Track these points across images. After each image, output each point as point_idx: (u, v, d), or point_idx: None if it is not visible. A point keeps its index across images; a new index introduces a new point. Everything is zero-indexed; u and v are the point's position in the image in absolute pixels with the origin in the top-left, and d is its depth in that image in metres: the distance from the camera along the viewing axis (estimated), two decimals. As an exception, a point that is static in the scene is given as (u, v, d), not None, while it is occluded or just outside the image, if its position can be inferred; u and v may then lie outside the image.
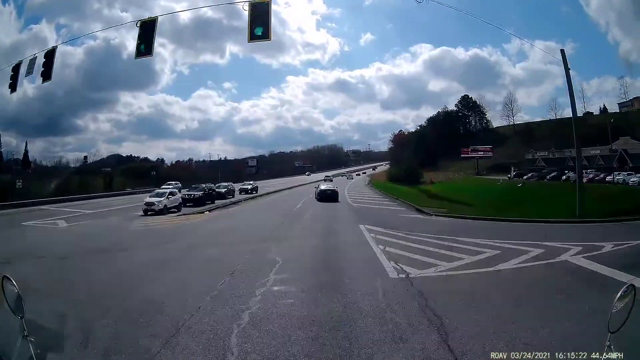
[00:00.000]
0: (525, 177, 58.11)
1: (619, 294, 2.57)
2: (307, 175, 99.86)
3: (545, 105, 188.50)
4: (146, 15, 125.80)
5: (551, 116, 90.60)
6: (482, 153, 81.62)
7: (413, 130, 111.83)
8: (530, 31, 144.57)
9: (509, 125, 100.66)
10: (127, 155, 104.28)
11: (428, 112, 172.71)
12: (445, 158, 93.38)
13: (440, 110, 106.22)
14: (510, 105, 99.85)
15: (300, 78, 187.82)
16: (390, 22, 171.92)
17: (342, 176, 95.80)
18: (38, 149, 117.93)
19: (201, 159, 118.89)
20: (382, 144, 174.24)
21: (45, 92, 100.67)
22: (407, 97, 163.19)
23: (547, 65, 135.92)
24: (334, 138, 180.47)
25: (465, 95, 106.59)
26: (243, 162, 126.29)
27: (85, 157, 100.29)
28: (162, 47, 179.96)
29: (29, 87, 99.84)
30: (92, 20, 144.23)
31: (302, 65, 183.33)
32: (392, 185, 61.69)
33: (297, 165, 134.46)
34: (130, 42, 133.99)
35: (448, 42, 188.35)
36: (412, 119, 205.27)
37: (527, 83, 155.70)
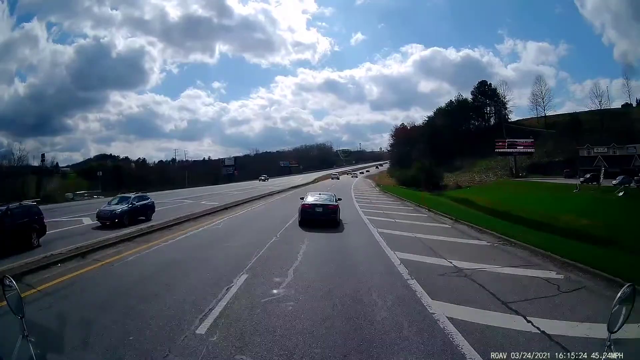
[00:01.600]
0: (618, 182, 38.10)
1: (619, 294, 2.42)
2: (262, 180, 71.51)
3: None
4: (136, 14, 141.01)
5: (595, 106, 71.34)
6: (522, 148, 61.30)
7: (417, 123, 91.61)
8: (523, 32, 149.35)
9: (537, 117, 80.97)
10: (108, 154, 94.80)
11: (418, 112, 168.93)
12: (462, 156, 73.64)
13: (453, 100, 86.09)
14: (541, 95, 79.81)
15: (289, 78, 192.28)
16: (382, 21, 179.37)
17: (332, 178, 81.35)
18: (28, 149, 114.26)
19: (187, 159, 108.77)
20: (371, 145, 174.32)
21: (35, 90, 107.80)
22: (396, 98, 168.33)
23: (539, 67, 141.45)
24: (323, 139, 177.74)
25: (482, 81, 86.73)
26: (219, 162, 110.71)
27: (43, 156, 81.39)
28: (151, 45, 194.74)
29: (19, 85, 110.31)
30: (83, 18, 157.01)
31: (292, 65, 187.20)
32: (411, 192, 42.02)
33: (283, 165, 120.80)
34: (120, 40, 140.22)
35: (439, 43, 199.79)
36: (401, 120, 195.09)
37: (518, 84, 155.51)
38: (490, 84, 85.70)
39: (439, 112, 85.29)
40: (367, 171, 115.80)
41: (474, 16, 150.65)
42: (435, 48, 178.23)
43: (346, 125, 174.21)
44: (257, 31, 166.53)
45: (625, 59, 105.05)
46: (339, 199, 18.19)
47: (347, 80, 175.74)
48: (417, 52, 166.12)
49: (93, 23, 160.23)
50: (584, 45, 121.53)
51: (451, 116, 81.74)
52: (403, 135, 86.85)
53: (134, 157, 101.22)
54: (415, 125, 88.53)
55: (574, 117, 70.36)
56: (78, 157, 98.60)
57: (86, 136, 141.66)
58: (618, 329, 2.42)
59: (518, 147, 60.95)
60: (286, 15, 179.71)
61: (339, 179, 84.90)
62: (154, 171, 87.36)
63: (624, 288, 2.46)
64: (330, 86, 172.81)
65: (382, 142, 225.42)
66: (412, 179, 56.94)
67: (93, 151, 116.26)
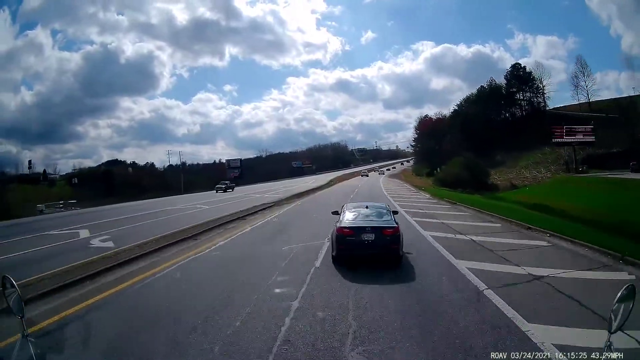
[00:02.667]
0: None
1: (619, 294, 2.45)
2: (223, 189, 50.34)
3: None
4: (142, 19, 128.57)
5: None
6: (582, 136, 50.47)
7: (444, 113, 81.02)
8: (531, 26, 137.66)
9: (578, 103, 69.96)
10: (120, 160, 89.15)
11: (431, 110, 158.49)
12: (501, 149, 63.28)
13: (484, 85, 75.39)
14: (583, 77, 68.67)
15: (301, 79, 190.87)
16: (391, 19, 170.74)
17: (362, 175, 75.38)
18: (39, 157, 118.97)
19: (197, 163, 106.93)
20: (385, 144, 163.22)
21: (42, 98, 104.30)
22: (409, 96, 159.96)
23: (549, 61, 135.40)
24: (337, 139, 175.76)
25: (516, 64, 75.91)
26: (224, 164, 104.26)
27: (30, 162, 78.70)
28: (160, 50, 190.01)
29: (26, 94, 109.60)
30: (88, 25, 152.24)
31: (303, 66, 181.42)
32: (460, 195, 32.47)
33: (295, 165, 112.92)
34: (127, 45, 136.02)
35: (450, 39, 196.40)
36: (414, 118, 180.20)
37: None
38: (525, 67, 75.00)
39: (469, 100, 74.90)
40: (393, 168, 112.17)
41: (483, 11, 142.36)
42: (446, 45, 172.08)
43: (359, 125, 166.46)
44: (267, 32, 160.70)
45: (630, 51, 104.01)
46: (395, 212, 10.90)
47: (359, 80, 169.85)
48: (428, 49, 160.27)
49: (99, 29, 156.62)
50: (592, 38, 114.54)
51: (483, 104, 71.35)
52: (429, 128, 76.72)
53: (142, 162, 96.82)
54: (442, 117, 78.29)
55: (619, 102, 59.50)
56: (90, 164, 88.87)
57: (97, 143, 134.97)
58: (618, 329, 2.38)
59: (577, 136, 50.12)
60: (295, 16, 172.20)
61: (367, 176, 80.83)
62: (155, 176, 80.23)
63: (624, 288, 2.44)
64: (342, 86, 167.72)
65: (397, 140, 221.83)
66: (455, 178, 46.65)
67: (105, 157, 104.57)
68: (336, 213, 11.32)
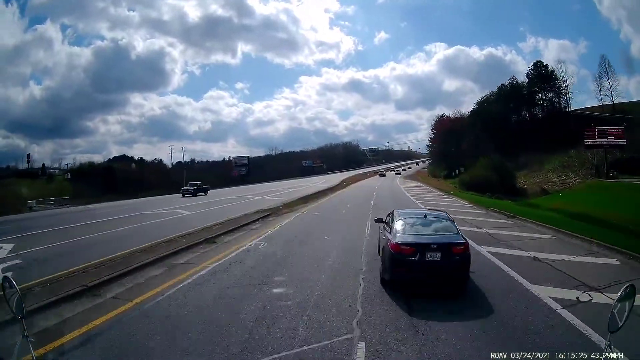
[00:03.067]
0: None
1: (619, 294, 2.45)
2: (189, 193, 40.99)
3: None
4: (153, 15, 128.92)
5: None
6: (614, 139, 45.91)
7: (462, 112, 76.69)
8: (543, 29, 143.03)
9: (599, 105, 64.60)
10: (128, 156, 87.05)
11: (443, 111, 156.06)
12: (524, 150, 58.79)
13: (505, 83, 70.75)
14: (607, 78, 63.32)
15: (313, 78, 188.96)
16: (405, 20, 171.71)
17: (379, 175, 74.58)
18: (47, 151, 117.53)
19: (207, 160, 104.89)
20: (397, 145, 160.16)
21: (51, 93, 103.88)
22: (421, 97, 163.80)
23: (561, 65, 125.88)
24: (348, 139, 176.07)
25: (538, 62, 71.10)
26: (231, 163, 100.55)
27: (29, 156, 74.74)
28: (171, 46, 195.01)
29: (35, 88, 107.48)
30: (98, 20, 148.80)
31: (316, 65, 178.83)
32: (488, 200, 28.67)
33: (305, 164, 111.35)
34: (138, 41, 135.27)
35: (462, 41, 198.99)
36: (426, 119, 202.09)
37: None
38: (547, 65, 69.99)
39: (489, 99, 70.41)
40: (408, 168, 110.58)
41: (495, 13, 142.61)
42: (459, 46, 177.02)
43: (371, 125, 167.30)
44: (279, 31, 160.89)
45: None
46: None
47: (371, 80, 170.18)
48: (440, 50, 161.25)
49: (110, 25, 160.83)
50: (602, 42, 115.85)
51: (504, 103, 66.84)
52: (446, 128, 72.51)
53: (152, 159, 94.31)
54: (460, 116, 73.91)
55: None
56: (99, 159, 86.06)
57: (107, 138, 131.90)
58: (618, 329, 2.38)
59: (609, 138, 45.57)
60: (308, 14, 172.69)
61: (384, 175, 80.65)
62: (161, 173, 76.27)
63: (624, 288, 2.43)
64: (354, 86, 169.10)
65: (408, 141, 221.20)
66: (482, 181, 42.15)
67: (114, 153, 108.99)
68: (380, 221, 9.51)
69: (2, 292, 2.68)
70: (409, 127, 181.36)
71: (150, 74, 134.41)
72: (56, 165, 77.09)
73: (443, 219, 8.18)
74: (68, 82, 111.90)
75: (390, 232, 7.73)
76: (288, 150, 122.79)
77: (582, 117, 60.10)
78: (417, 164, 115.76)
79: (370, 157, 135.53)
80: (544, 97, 67.55)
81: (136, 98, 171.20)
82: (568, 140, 54.18)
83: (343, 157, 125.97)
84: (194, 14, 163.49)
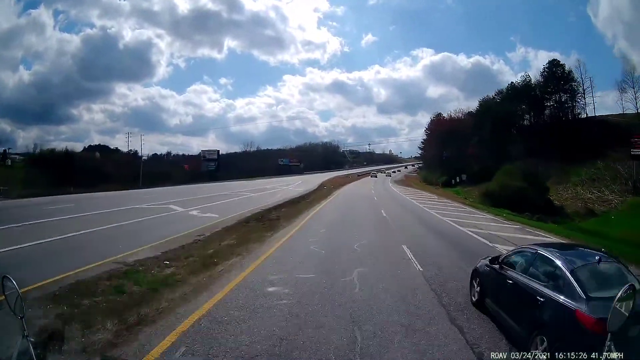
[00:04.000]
0: None
1: (619, 294, 2.39)
2: None
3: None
4: (144, 5, 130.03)
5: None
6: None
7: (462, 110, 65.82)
8: (535, 40, 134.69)
9: (622, 112, 55.12)
10: (96, 144, 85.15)
11: (424, 118, 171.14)
12: (542, 158, 48.72)
13: (516, 82, 60.55)
14: (630, 83, 53.90)
15: (297, 77, 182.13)
16: (394, 23, 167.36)
17: (371, 176, 73.63)
18: (32, 137, 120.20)
19: (182, 154, 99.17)
20: (377, 148, 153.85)
21: (40, 78, 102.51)
22: (404, 102, 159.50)
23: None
24: (328, 140, 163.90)
25: (553, 60, 61.31)
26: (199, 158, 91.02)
27: None
28: (159, 38, 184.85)
29: (24, 73, 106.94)
30: (90, 7, 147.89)
31: (301, 65, 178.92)
32: (553, 226, 17.81)
33: (282, 163, 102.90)
34: (127, 31, 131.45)
35: (450, 48, 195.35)
36: (407, 124, 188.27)
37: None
38: (564, 64, 60.27)
39: (494, 98, 60.12)
40: (398, 170, 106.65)
41: (487, 22, 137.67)
42: (446, 53, 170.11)
43: (352, 128, 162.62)
44: (267, 28, 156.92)
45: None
46: None
47: (355, 82, 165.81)
48: (427, 56, 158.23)
49: (100, 12, 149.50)
50: (595, 56, 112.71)
51: (513, 103, 56.75)
52: (444, 129, 61.83)
53: (135, 150, 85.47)
54: (462, 115, 63.20)
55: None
56: (80, 148, 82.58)
57: (90, 127, 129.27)
58: (618, 329, 2.37)
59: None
60: (297, 13, 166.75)
61: (376, 177, 78.71)
62: (127, 165, 65.93)
63: (624, 288, 2.40)
64: (338, 87, 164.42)
65: (388, 145, 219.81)
66: (517, 194, 31.08)
67: (97, 142, 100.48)
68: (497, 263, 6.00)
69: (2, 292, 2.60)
70: (390, 131, 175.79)
71: (136, 64, 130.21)
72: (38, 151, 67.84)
73: (611, 261, 5.00)
74: (56, 68, 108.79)
75: (558, 289, 4.65)
76: (265, 148, 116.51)
77: (604, 125, 51.09)
78: (406, 167, 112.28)
79: (350, 159, 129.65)
80: (558, 100, 57.52)
81: (121, 88, 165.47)
82: (590, 149, 44.83)
83: (322, 157, 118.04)
84: (184, 6, 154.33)
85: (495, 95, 60.55)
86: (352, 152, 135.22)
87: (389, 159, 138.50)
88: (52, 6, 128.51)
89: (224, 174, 74.72)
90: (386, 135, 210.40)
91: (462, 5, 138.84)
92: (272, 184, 47.40)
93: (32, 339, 2.58)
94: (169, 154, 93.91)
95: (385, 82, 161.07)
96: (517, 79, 62.76)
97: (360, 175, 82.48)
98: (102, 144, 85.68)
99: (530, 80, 59.27)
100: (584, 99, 57.80)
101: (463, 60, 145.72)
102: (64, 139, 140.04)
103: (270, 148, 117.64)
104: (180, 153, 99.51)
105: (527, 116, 58.04)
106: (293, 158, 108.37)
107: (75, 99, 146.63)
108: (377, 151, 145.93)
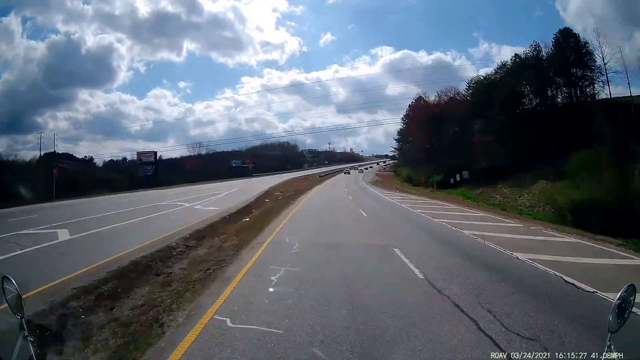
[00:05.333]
0: None
1: (619, 294, 2.30)
2: None
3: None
4: (106, 9, 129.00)
5: None
6: None
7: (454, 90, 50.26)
8: (499, 36, 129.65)
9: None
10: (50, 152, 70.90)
11: (384, 116, 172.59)
12: (561, 149, 34.47)
13: (521, 54, 45.65)
14: None
15: (255, 79, 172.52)
16: (353, 22, 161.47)
17: (345, 173, 72.00)
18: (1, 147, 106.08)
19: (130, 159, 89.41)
20: (336, 148, 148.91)
21: (8, 87, 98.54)
22: (363, 101, 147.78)
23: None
24: (287, 140, 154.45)
25: (565, 29, 47.04)
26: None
27: None
28: (120, 42, 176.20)
29: None
30: (55, 13, 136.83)
31: (259, 66, 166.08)
32: None
33: (235, 165, 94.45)
34: (89, 36, 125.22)
35: (410, 45, 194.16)
36: (367, 123, 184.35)
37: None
38: (577, 34, 46.21)
39: (497, 75, 45.42)
40: (370, 167, 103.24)
41: (448, 18, 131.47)
42: (406, 51, 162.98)
43: (311, 128, 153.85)
44: (226, 29, 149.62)
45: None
46: None
47: (313, 82, 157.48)
48: (386, 54, 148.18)
49: (65, 17, 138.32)
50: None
51: (517, 82, 42.43)
52: (431, 113, 46.54)
53: (98, 157, 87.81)
54: (456, 95, 47.91)
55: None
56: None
57: (56, 135, 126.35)
58: (618, 329, 2.28)
59: None
60: (256, 13, 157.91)
61: (349, 173, 77.93)
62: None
63: (624, 288, 2.35)
64: (296, 88, 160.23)
65: (347, 145, 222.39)
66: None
67: (61, 150, 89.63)
68: None
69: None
70: (350, 131, 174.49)
71: (97, 69, 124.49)
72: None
73: None
74: (23, 76, 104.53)
75: None
76: (222, 150, 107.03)
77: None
78: (372, 166, 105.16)
79: (309, 158, 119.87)
80: (580, 75, 43.49)
81: (84, 94, 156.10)
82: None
83: (279, 158, 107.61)
84: (143, 9, 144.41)
85: (497, 69, 45.73)
86: (311, 152, 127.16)
87: (351, 158, 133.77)
88: (21, 13, 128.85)
89: (171, 178, 67.18)
90: (345, 135, 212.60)
91: (424, 2, 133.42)
92: (187, 195, 29.90)
93: (32, 339, 2.54)
94: (124, 159, 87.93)
95: (344, 82, 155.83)
96: (525, 49, 47.39)
97: (323, 177, 66.28)
98: (66, 152, 77.93)
99: (541, 51, 45.00)
100: (606, 75, 43.97)
101: (423, 57, 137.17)
102: (30, 147, 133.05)
103: (225, 150, 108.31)
104: (136, 158, 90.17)
105: (535, 98, 43.68)
106: (246, 159, 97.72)
107: (41, 107, 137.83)
108: (338, 150, 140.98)
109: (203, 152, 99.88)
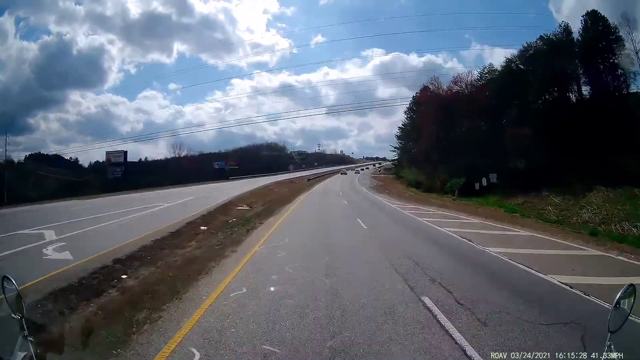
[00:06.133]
0: None
1: (619, 294, 2.25)
2: None
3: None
4: (98, 10, 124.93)
5: None
6: None
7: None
8: (492, 38, 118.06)
9: None
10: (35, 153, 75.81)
11: (374, 119, 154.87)
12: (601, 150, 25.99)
13: (551, 35, 36.81)
14: None
15: (245, 81, 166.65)
16: (344, 24, 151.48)
17: (341, 173, 73.07)
18: None
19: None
20: (328, 150, 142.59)
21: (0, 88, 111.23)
22: (353, 103, 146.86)
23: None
24: (276, 142, 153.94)
25: (593, 12, 38.55)
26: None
27: None
28: (111, 44, 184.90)
29: None
30: (48, 13, 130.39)
31: (249, 68, 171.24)
32: None
33: (218, 167, 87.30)
34: (81, 37, 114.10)
35: (401, 48, 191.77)
36: (357, 126, 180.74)
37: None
38: (606, 18, 37.78)
39: (522, 55, 36.59)
40: (366, 168, 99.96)
41: (440, 20, 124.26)
42: (397, 53, 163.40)
43: (301, 131, 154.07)
44: (217, 31, 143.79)
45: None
46: None
47: (303, 85, 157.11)
48: (377, 56, 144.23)
49: (57, 18, 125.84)
50: None
51: (546, 65, 33.79)
52: (444, 103, 37.61)
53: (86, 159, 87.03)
54: (471, 83, 38.73)
55: None
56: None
57: (47, 137, 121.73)
58: (618, 329, 2.24)
59: None
60: (247, 15, 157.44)
61: (346, 174, 77.95)
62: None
63: (624, 288, 2.30)
64: (286, 90, 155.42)
65: (337, 147, 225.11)
66: None
67: (53, 151, 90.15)
68: None
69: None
70: (339, 133, 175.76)
71: (89, 70, 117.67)
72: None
73: None
74: (15, 77, 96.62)
75: None
76: (209, 152, 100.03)
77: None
78: (374, 165, 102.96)
79: (298, 160, 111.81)
80: (611, 63, 35.09)
81: (75, 96, 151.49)
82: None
83: (267, 159, 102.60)
84: (134, 9, 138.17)
85: (524, 49, 36.84)
86: (300, 154, 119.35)
87: (341, 160, 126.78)
88: (14, 13, 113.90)
89: (147, 180, 59.81)
90: (335, 138, 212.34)
91: (416, 4, 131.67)
92: (100, 210, 20.41)
93: (32, 339, 2.53)
94: (109, 161, 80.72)
95: (334, 84, 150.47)
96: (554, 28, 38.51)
97: (312, 180, 57.41)
98: (57, 153, 77.73)
99: (571, 32, 36.43)
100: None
101: (414, 60, 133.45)
102: (22, 149, 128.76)
103: (214, 151, 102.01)
104: (122, 160, 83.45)
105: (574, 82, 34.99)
106: (230, 161, 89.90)
107: (32, 108, 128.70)
108: (328, 152, 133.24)
109: (184, 153, 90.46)
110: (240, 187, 33.20)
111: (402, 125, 51.26)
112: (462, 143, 34.51)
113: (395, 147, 55.82)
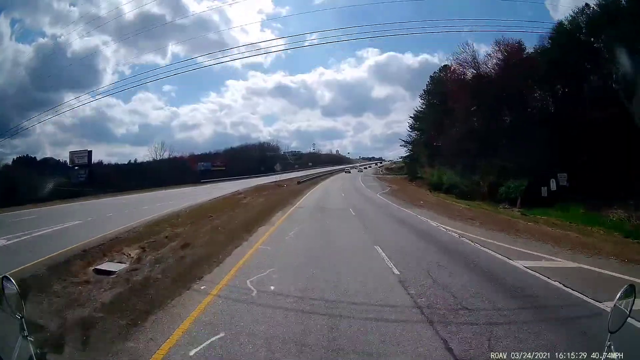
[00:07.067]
0: None
1: (619, 294, 2.25)
2: None
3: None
4: (92, 11, 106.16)
5: None
6: None
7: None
8: (487, 38, 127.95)
9: None
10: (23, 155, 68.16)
11: (370, 119, 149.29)
12: None
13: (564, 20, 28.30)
14: None
15: (240, 82, 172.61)
16: (339, 24, 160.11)
17: (345, 172, 74.39)
18: None
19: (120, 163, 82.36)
20: (324, 150, 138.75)
21: None
22: (349, 104, 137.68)
23: None
24: (269, 142, 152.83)
25: None
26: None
27: None
28: (105, 45, 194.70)
29: None
30: (43, 15, 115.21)
31: (243, 68, 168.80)
32: None
33: (203, 167, 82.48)
34: (75, 39, 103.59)
35: (396, 47, 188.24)
36: (353, 126, 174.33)
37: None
38: None
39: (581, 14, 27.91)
40: (368, 167, 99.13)
41: (436, 20, 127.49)
42: (392, 53, 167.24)
43: (296, 132, 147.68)
44: (211, 31, 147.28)
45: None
46: None
47: (299, 85, 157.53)
48: (372, 56, 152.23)
49: (52, 20, 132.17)
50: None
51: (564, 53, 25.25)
52: (480, 85, 28.60)
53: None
54: (519, 48, 29.41)
55: None
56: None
57: (42, 139, 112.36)
58: (618, 329, 2.22)
59: None
60: (241, 15, 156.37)
61: (350, 172, 79.67)
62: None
63: (624, 288, 2.28)
64: (281, 91, 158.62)
65: (333, 148, 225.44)
66: None
67: (49, 154, 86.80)
68: None
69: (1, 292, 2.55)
70: (335, 133, 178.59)
71: (84, 72, 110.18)
72: None
73: None
74: (10, 79, 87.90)
75: None
76: (200, 153, 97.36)
77: None
78: (377, 164, 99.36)
79: (292, 161, 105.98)
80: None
81: (70, 98, 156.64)
82: None
83: (258, 159, 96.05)
84: (128, 10, 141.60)
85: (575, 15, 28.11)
86: (294, 153, 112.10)
87: (337, 160, 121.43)
88: (9, 15, 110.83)
89: (121, 184, 56.45)
90: (331, 138, 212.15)
91: (412, 3, 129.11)
92: None
93: (32, 339, 2.50)
94: (100, 162, 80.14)
95: (330, 84, 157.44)
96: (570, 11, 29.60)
97: (302, 182, 47.54)
98: (53, 156, 74.60)
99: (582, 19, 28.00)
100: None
101: (410, 59, 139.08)
102: (18, 152, 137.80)
103: (204, 152, 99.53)
104: (113, 162, 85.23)
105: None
106: (216, 161, 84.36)
107: (27, 110, 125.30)
108: (323, 152, 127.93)
109: (166, 154, 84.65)
110: (192, 197, 24.28)
111: (417, 112, 42.00)
112: (508, 134, 25.66)
113: (406, 142, 46.37)
